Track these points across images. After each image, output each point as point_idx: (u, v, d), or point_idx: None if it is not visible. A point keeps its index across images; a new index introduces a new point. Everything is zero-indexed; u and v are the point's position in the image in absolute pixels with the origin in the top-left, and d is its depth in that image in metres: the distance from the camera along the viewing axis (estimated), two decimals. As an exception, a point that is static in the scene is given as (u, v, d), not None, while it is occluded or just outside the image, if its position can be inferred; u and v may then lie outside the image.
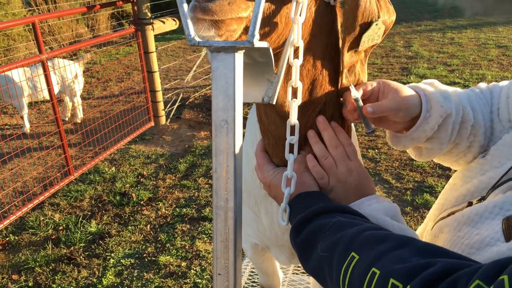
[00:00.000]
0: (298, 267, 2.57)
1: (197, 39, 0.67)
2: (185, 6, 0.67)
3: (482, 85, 1.03)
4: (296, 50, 0.77)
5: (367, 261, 0.61)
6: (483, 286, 0.47)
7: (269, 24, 0.73)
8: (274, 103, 0.83)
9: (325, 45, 0.89)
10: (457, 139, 0.96)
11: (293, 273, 2.48)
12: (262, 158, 0.99)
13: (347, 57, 0.83)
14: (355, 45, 0.83)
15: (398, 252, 0.60)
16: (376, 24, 0.82)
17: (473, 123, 0.94)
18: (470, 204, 0.87)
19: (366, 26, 0.82)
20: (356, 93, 0.90)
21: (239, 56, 0.67)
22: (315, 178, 0.89)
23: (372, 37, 0.84)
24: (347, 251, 0.65)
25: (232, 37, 0.67)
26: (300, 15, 0.72)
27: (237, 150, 0.70)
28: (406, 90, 0.92)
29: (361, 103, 0.90)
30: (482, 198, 0.85)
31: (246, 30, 0.68)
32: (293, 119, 0.82)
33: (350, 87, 0.91)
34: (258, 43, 0.65)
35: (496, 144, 0.91)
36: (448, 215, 0.92)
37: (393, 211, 0.83)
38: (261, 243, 1.33)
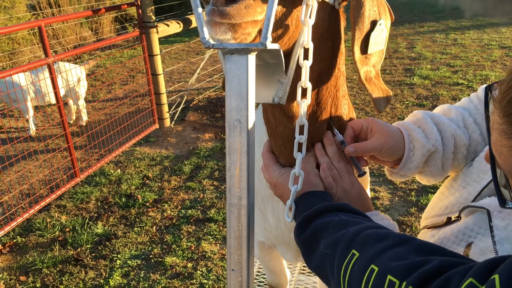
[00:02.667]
0: (305, 266, 2.59)
1: (211, 41, 0.69)
2: (200, 10, 0.69)
3: (482, 92, 1.04)
4: (306, 52, 0.79)
5: (366, 258, 0.63)
6: (476, 284, 0.48)
7: (281, 26, 0.75)
8: (284, 103, 0.86)
9: (331, 48, 0.91)
10: (455, 162, 1.00)
11: (300, 273, 2.49)
12: (269, 159, 1.01)
13: (358, 56, 0.85)
14: (363, 48, 0.85)
15: (397, 250, 0.62)
16: (380, 24, 0.85)
17: (468, 146, 0.98)
18: (449, 219, 0.90)
19: (372, 24, 0.84)
20: (340, 137, 0.96)
21: (252, 58, 0.69)
22: (326, 188, 0.93)
23: (377, 39, 0.87)
24: (348, 249, 0.67)
25: (247, 39, 0.69)
26: (310, 18, 0.75)
27: (250, 149, 0.72)
28: (391, 130, 0.96)
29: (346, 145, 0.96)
30: (459, 216, 0.87)
31: (259, 32, 0.70)
32: (303, 118, 0.84)
33: (334, 131, 0.97)
34: (270, 45, 0.67)
35: (479, 156, 0.94)
36: (431, 226, 0.96)
37: (392, 229, 0.85)
38: (267, 241, 1.35)
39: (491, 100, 0.59)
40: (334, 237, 0.71)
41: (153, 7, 4.55)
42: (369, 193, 1.23)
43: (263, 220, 1.24)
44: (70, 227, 3.44)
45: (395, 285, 0.56)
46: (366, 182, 1.16)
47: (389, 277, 0.58)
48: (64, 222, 3.51)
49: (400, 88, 6.15)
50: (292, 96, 0.87)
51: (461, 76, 6.53)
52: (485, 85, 1.06)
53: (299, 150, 0.87)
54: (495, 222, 0.75)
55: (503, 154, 0.56)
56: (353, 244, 0.67)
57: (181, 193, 3.86)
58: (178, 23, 5.02)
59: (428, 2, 13.75)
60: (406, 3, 13.95)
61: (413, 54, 7.97)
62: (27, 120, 5.03)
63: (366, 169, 1.11)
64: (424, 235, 0.96)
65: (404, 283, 0.55)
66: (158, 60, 4.78)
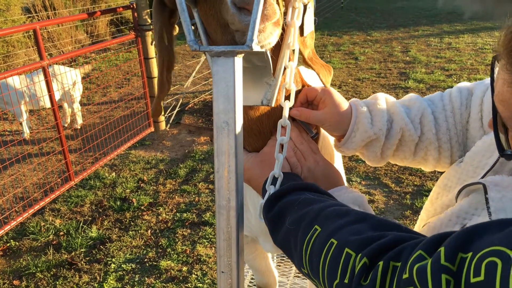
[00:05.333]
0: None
1: (198, 44, 0.69)
2: (187, 12, 0.69)
3: (455, 91, 1.04)
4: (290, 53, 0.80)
5: (327, 233, 0.68)
6: (425, 255, 0.52)
7: None
8: (272, 105, 0.86)
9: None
10: (399, 154, 1.04)
11: (295, 276, 2.49)
12: None
13: (298, 39, 0.87)
14: (301, 31, 0.88)
15: (356, 226, 0.66)
16: (309, 8, 0.88)
17: (418, 142, 1.01)
18: None
19: (304, 8, 0.88)
20: (287, 102, 0.97)
21: (239, 60, 0.70)
22: (291, 167, 0.96)
23: (308, 20, 0.90)
24: (312, 224, 0.72)
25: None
26: (296, 19, 0.75)
27: (238, 151, 0.72)
28: (341, 110, 0.98)
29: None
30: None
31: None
32: (286, 120, 0.85)
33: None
34: (256, 47, 0.68)
35: (470, 151, 0.95)
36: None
37: (360, 201, 0.88)
38: (249, 234, 1.36)
39: (496, 63, 0.68)
40: (299, 214, 0.75)
41: (148, 10, 4.56)
42: (342, 169, 1.26)
43: (245, 210, 1.25)
44: (64, 230, 3.43)
45: (351, 257, 0.61)
46: (332, 157, 1.18)
47: (346, 249, 0.62)
48: (58, 225, 3.49)
49: (395, 92, 6.18)
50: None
51: (455, 79, 6.57)
52: (461, 83, 1.08)
53: (280, 151, 0.87)
54: (490, 195, 0.77)
55: (505, 100, 0.63)
56: (316, 220, 0.71)
57: (176, 197, 3.85)
58: (174, 26, 5.02)
59: (422, 6, 13.84)
60: (401, 7, 14.04)
61: (407, 58, 8.01)
62: (21, 123, 5.01)
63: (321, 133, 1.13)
64: (424, 230, 0.96)
65: (360, 255, 0.60)
66: (153, 63, 4.79)
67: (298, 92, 1.01)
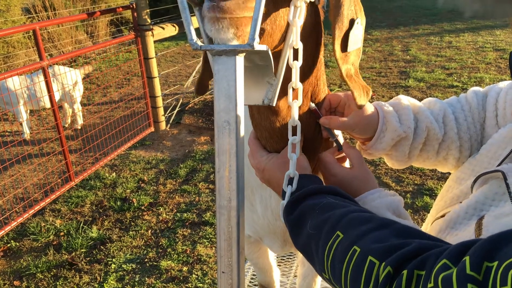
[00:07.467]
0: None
1: (199, 43, 0.69)
2: (187, 11, 0.69)
3: (471, 93, 1.06)
4: (295, 52, 0.79)
5: (349, 240, 0.67)
6: (450, 265, 0.51)
7: (269, 27, 0.75)
8: (273, 105, 0.85)
9: (316, 42, 0.91)
10: (423, 154, 1.03)
11: (295, 276, 2.49)
12: (256, 145, 1.01)
13: (339, 54, 0.85)
14: (343, 46, 0.85)
15: (379, 233, 0.66)
16: (357, 23, 0.86)
17: (441, 141, 1.01)
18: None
19: (350, 23, 0.85)
20: (312, 105, 0.97)
21: (240, 59, 0.69)
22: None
23: (355, 37, 0.87)
24: (333, 230, 0.71)
25: (247, 39, 0.68)
26: (298, 18, 0.75)
27: (239, 150, 0.71)
28: (369, 110, 0.98)
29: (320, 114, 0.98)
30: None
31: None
32: (295, 119, 0.84)
33: (310, 104, 0.98)
34: (258, 47, 0.67)
35: (486, 144, 0.95)
36: (442, 216, 0.95)
37: (395, 206, 0.86)
38: (254, 234, 1.35)
39: None
40: (320, 219, 0.74)
41: (148, 10, 4.55)
42: None
43: (251, 210, 1.24)
44: (65, 231, 3.42)
45: (375, 265, 0.60)
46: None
47: (370, 257, 0.62)
48: (58, 226, 3.49)
49: (395, 91, 6.17)
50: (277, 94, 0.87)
51: (455, 78, 6.56)
52: (474, 87, 1.08)
53: (293, 151, 0.86)
54: (510, 180, 0.77)
55: None
56: (338, 226, 0.70)
57: (177, 197, 3.85)
58: (174, 26, 5.02)
59: (423, 5, 13.83)
60: (401, 6, 14.03)
61: (408, 56, 8.00)
62: (21, 124, 5.01)
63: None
64: (438, 222, 0.96)
65: (383, 263, 0.59)
66: (153, 63, 4.78)
67: (322, 102, 1.00)
